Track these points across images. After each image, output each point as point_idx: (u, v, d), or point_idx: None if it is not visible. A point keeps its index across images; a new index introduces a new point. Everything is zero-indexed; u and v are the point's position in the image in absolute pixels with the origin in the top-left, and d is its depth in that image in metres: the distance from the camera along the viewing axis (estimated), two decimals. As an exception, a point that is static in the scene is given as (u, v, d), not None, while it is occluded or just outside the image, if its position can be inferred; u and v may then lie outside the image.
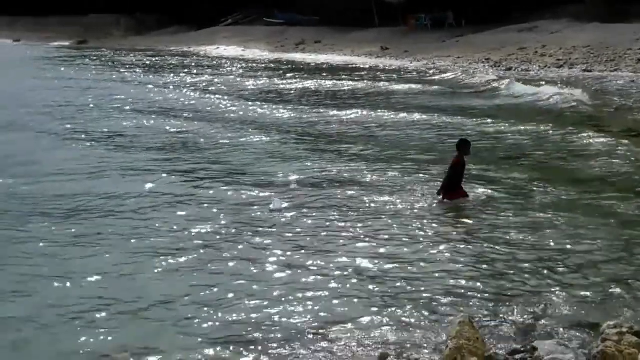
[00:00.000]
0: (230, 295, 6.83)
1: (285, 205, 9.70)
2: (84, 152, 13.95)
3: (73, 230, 8.88)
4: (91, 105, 20.95)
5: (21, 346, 6.00)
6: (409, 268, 7.39)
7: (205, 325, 6.26)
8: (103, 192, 10.65)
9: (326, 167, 12.36)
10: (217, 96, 23.22)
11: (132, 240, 8.43)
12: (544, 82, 23.51)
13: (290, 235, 8.54)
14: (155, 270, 7.47)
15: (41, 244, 8.37)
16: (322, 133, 16.26)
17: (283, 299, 6.71)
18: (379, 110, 19.05)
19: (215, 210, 9.61)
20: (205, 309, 6.53)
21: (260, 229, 8.79)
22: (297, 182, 11.19)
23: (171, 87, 26.47)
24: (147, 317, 6.42)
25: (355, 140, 15.07)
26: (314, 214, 9.43)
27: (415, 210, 9.44)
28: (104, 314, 6.47)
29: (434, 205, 9.65)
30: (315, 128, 16.90)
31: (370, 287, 6.94)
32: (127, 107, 20.65)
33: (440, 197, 9.76)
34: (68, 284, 7.18)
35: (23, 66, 35.68)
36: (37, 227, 9.02)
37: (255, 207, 9.73)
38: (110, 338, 6.06)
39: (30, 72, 32.07)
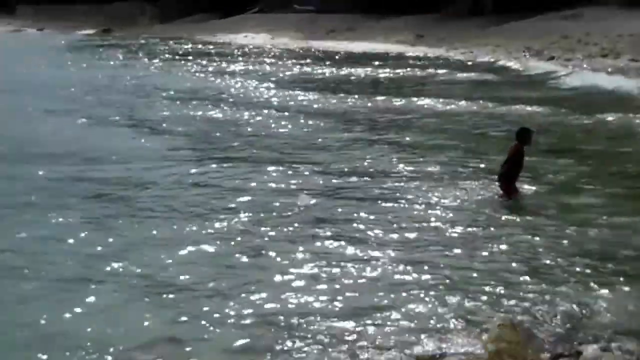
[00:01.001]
0: (252, 292, 6.81)
1: (313, 201, 9.68)
2: (121, 138, 14.43)
3: (103, 214, 9.20)
4: (126, 93, 21.44)
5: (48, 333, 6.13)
6: (444, 267, 7.34)
7: (229, 318, 6.32)
8: (138, 178, 11.04)
9: (361, 156, 12.44)
10: (248, 85, 23.48)
11: (153, 231, 8.53)
12: (590, 72, 23.19)
13: (318, 230, 8.47)
14: (181, 258, 7.63)
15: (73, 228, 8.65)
16: (356, 122, 16.34)
17: (310, 297, 6.66)
18: (417, 99, 19.10)
19: (241, 201, 9.69)
20: (228, 300, 6.61)
21: (287, 223, 8.74)
22: (328, 172, 11.24)
23: (203, 75, 26.71)
24: (172, 304, 6.55)
25: (391, 130, 15.16)
26: (345, 208, 9.38)
27: (454, 206, 9.38)
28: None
29: (474, 200, 9.61)
30: (348, 117, 17.01)
31: (403, 286, 6.91)
32: (162, 95, 21.02)
33: (499, 186, 9.68)
34: (93, 268, 7.42)
35: (51, 55, 36.25)
36: (79, 210, 9.39)
37: (282, 200, 9.74)
38: (134, 326, 6.16)
39: (58, 60, 32.59)
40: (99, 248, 7.95)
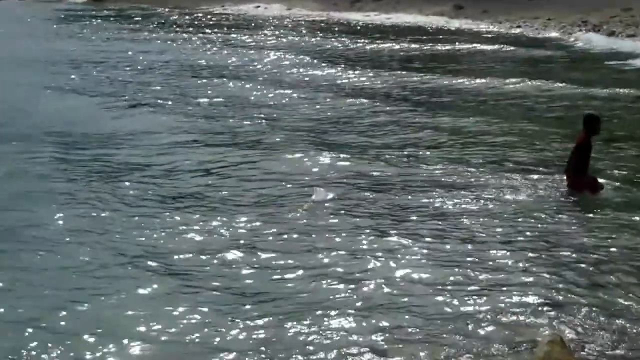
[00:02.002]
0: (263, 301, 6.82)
1: (330, 195, 9.56)
2: (127, 118, 14.85)
3: (114, 197, 9.66)
4: (127, 69, 21.69)
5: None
6: (483, 275, 7.22)
7: (245, 314, 6.51)
8: (146, 161, 11.42)
9: (393, 141, 12.46)
10: (263, 59, 23.55)
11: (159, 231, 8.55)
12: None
13: (334, 235, 8.31)
14: (182, 247, 7.92)
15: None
16: (387, 102, 16.35)
17: (329, 310, 6.58)
18: (455, 78, 19.10)
19: (249, 196, 9.71)
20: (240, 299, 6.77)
21: (298, 224, 8.67)
22: (354, 159, 11.16)
23: (212, 49, 26.84)
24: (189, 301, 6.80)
25: (427, 111, 15.14)
26: (366, 206, 9.24)
27: (504, 200, 9.31)
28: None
29: (529, 193, 9.53)
30: (378, 96, 17.03)
31: (437, 297, 6.82)
32: (167, 71, 21.35)
33: (566, 181, 9.62)
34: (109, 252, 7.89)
35: (36, 27, 36.45)
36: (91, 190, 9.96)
37: (294, 197, 9.68)
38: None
39: (46, 33, 32.78)
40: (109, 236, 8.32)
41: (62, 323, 6.38)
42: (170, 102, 16.37)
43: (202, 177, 10.72)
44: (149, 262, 7.57)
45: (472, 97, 16.83)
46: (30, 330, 6.24)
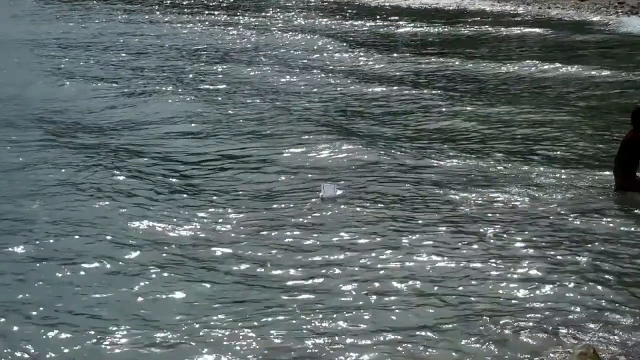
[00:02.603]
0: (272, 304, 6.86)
1: (340, 192, 9.45)
2: (141, 102, 15.19)
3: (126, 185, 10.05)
4: (126, 53, 21.66)
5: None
6: (510, 283, 7.17)
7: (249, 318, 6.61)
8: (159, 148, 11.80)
9: (420, 128, 12.52)
10: (273, 40, 23.54)
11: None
12: None
13: (345, 235, 8.27)
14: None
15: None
16: (410, 86, 16.31)
17: (341, 320, 6.55)
18: (480, 61, 19.03)
19: (258, 188, 9.81)
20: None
21: (305, 223, 8.65)
22: (360, 158, 11.06)
23: (215, 30, 26.57)
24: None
25: (456, 97, 15.01)
26: (378, 203, 9.20)
27: (529, 202, 9.17)
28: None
29: (555, 195, 9.42)
30: (399, 80, 17.06)
31: (459, 305, 6.78)
32: (166, 54, 21.39)
33: (615, 181, 9.54)
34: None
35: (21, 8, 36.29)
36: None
37: (301, 192, 9.65)
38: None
39: (30, 15, 32.59)
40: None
41: (56, 313, 6.68)
42: (170, 88, 16.40)
43: (203, 169, 10.81)
44: (148, 253, 7.86)
45: (497, 84, 16.74)
46: (25, 320, 6.55)
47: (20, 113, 13.99)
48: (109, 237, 8.29)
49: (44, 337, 6.34)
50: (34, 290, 7.14)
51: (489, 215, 8.80)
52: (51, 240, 8.23)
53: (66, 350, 6.15)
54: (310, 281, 7.26)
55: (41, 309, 6.78)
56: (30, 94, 15.62)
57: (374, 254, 7.77)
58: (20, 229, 8.52)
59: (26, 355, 6.08)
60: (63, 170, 10.66)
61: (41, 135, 12.48)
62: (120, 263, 7.67)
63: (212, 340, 6.25)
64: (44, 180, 10.26)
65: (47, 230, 8.52)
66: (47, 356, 6.09)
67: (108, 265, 7.59)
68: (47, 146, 11.87)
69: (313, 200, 9.29)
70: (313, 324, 6.45)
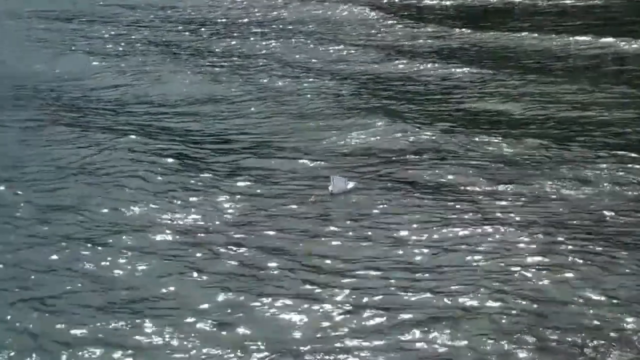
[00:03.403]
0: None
1: (351, 185, 8.83)
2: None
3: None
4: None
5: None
6: (558, 284, 6.54)
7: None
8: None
9: (449, 112, 11.87)
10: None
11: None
12: None
13: (358, 233, 7.76)
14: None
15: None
16: (447, 60, 15.40)
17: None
18: (518, 34, 17.61)
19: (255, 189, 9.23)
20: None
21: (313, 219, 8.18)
22: (375, 148, 10.44)
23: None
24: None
25: (500, 76, 13.94)
26: (398, 201, 8.52)
27: (570, 194, 8.45)
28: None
29: (600, 185, 8.61)
30: (437, 54, 16.07)
31: (503, 319, 6.07)
32: (173, 26, 20.94)
33: None
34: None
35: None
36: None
37: (307, 185, 9.08)
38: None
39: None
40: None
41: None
42: (172, 64, 16.19)
43: (205, 149, 10.57)
44: (142, 239, 7.79)
45: (537, 60, 15.50)
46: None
47: (11, 90, 13.97)
48: (103, 219, 8.33)
49: (27, 319, 6.37)
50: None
51: (530, 207, 8.17)
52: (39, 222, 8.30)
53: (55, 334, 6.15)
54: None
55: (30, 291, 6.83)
56: (20, 70, 15.58)
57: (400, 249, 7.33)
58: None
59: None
60: (58, 150, 10.61)
61: (33, 114, 12.39)
62: (115, 246, 7.63)
63: (203, 331, 6.12)
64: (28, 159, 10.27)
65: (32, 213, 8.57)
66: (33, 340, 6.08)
67: (100, 248, 7.60)
68: (37, 125, 11.84)
69: (317, 193, 8.80)
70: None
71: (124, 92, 14.03)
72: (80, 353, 5.89)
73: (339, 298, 6.52)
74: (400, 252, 7.28)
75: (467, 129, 10.96)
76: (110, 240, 7.77)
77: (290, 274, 7.00)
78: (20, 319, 6.38)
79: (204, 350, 5.87)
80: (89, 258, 7.39)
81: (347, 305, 6.40)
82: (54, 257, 7.47)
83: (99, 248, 7.60)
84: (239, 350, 5.84)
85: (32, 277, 7.13)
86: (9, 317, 6.43)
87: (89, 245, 7.67)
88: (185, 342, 5.96)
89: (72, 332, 6.18)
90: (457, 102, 12.63)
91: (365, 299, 6.47)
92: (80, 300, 6.65)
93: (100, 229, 8.06)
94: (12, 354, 5.94)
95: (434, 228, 7.74)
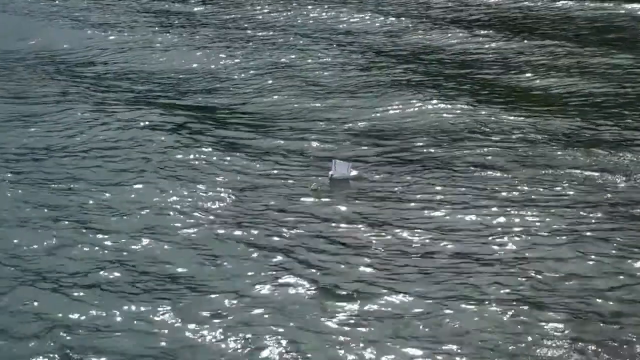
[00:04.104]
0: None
1: (354, 172, 8.56)
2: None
3: None
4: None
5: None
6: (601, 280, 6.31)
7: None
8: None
9: (476, 89, 11.31)
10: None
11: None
12: None
13: (361, 225, 7.50)
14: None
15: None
16: (507, 31, 14.65)
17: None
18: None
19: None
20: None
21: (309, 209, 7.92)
22: (378, 129, 10.17)
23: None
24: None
25: (578, 48, 13.22)
26: (404, 188, 8.27)
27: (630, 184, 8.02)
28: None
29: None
30: (498, 25, 15.28)
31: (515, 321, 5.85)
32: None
33: None
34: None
35: None
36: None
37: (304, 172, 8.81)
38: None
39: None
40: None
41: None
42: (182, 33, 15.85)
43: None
44: (142, 219, 7.72)
45: (596, 29, 14.64)
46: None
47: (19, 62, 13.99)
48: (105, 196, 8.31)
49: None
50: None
51: (582, 195, 7.82)
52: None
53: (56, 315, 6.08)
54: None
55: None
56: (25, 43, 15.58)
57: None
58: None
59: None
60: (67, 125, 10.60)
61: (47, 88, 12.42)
62: (119, 231, 7.52)
63: (210, 320, 6.02)
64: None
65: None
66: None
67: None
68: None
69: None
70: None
71: (125, 64, 13.98)
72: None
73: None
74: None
75: (505, 104, 10.63)
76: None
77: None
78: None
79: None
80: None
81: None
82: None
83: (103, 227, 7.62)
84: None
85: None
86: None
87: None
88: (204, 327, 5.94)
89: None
90: (499, 74, 12.17)
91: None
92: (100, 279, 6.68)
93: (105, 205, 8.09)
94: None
95: (471, 211, 7.55)
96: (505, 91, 11.49)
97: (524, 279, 6.34)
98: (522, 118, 10.06)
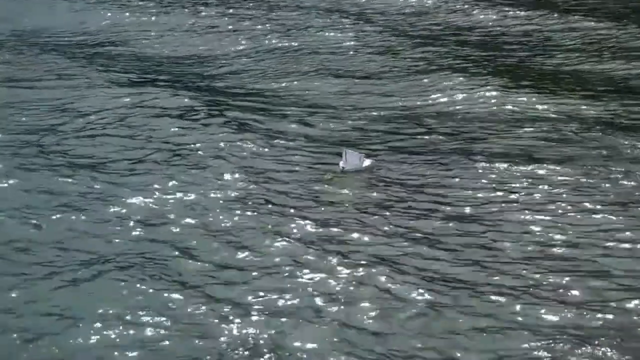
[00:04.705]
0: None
1: (367, 162, 8.05)
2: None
3: None
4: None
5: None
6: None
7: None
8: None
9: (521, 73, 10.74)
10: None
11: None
12: None
13: (376, 218, 7.07)
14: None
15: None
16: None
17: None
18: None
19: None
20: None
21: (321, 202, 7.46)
22: (398, 116, 9.71)
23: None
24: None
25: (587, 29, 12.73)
26: (420, 179, 7.80)
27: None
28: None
29: None
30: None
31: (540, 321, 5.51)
32: None
33: None
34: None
35: None
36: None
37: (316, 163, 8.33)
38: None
39: None
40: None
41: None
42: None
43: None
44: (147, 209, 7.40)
45: None
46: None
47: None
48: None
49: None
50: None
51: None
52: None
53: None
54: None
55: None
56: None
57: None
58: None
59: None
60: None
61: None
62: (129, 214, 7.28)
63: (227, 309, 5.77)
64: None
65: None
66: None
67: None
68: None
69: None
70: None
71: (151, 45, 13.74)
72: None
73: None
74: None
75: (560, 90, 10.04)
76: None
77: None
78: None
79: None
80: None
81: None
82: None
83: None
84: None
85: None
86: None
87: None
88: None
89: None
90: (546, 58, 11.54)
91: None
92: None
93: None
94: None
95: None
96: (535, 75, 10.90)
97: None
98: (552, 104, 9.55)
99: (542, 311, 5.58)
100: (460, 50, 12.18)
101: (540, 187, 7.38)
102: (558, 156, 8.02)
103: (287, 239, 6.70)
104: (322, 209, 7.25)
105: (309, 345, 5.34)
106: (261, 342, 5.38)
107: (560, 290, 5.79)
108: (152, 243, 6.75)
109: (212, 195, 7.58)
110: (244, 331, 5.50)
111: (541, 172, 7.69)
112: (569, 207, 6.95)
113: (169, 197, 7.60)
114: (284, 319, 5.63)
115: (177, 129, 9.36)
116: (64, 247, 6.75)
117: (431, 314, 5.61)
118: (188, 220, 7.12)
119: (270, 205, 7.30)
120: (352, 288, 5.95)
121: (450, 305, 5.69)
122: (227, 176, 7.99)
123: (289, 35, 13.56)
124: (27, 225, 7.14)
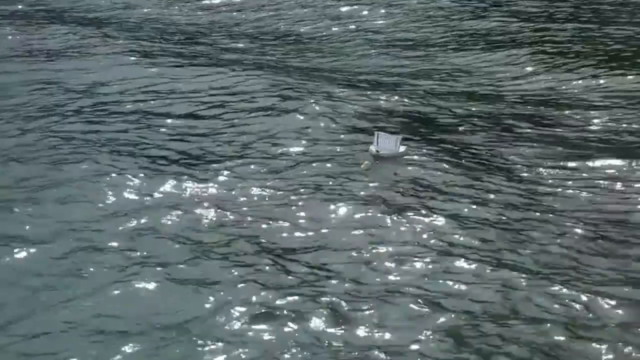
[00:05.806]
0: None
1: (402, 148, 7.58)
2: None
3: None
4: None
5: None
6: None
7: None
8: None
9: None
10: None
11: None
12: None
13: (414, 204, 6.81)
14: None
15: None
16: None
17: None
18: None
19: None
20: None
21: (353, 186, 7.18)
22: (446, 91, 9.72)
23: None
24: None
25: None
26: (454, 165, 7.51)
27: None
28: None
29: None
30: None
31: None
32: None
33: None
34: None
35: None
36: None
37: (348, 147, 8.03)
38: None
39: None
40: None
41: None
42: None
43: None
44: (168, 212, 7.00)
45: None
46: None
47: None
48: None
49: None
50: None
51: None
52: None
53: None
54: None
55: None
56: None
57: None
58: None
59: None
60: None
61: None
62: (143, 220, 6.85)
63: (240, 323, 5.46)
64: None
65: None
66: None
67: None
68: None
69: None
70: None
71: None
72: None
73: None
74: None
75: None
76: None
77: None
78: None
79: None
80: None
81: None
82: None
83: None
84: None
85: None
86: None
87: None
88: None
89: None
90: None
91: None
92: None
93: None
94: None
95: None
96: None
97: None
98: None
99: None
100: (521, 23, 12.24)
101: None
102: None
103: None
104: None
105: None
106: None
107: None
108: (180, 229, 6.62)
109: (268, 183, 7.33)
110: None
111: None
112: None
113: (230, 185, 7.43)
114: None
115: (214, 106, 9.37)
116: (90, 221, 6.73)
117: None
118: (220, 206, 6.98)
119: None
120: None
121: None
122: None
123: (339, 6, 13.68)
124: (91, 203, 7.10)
